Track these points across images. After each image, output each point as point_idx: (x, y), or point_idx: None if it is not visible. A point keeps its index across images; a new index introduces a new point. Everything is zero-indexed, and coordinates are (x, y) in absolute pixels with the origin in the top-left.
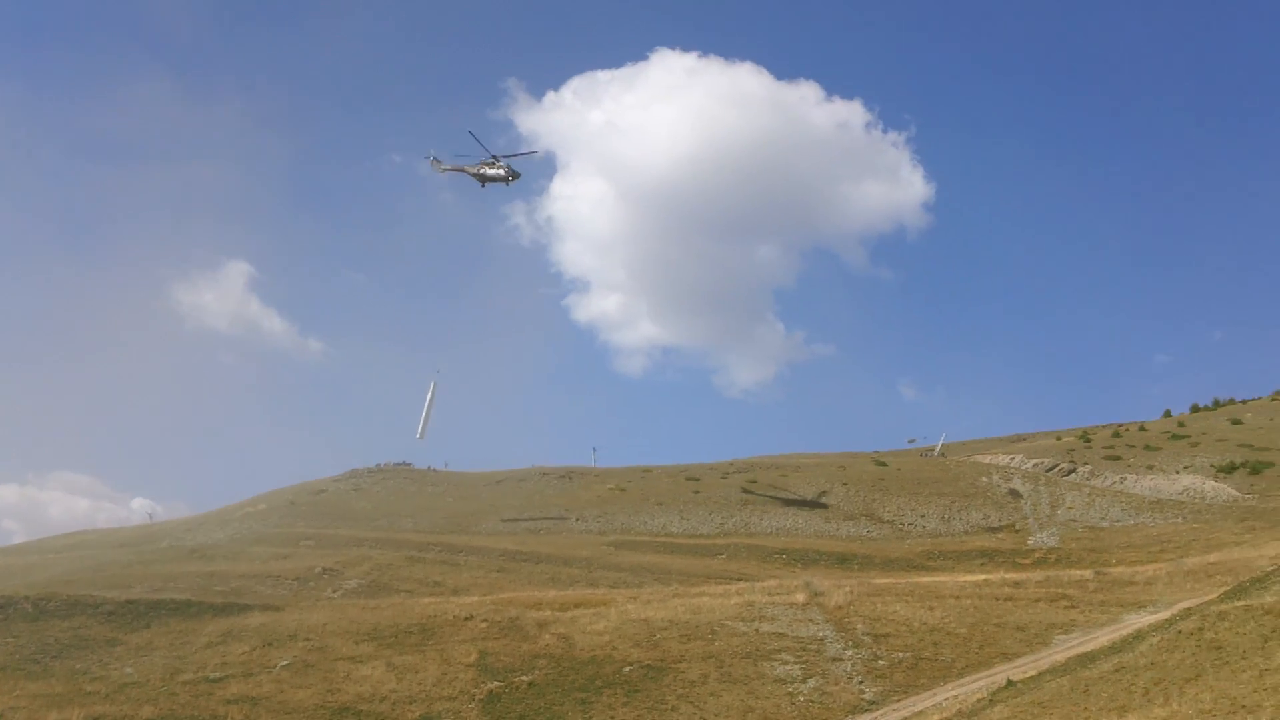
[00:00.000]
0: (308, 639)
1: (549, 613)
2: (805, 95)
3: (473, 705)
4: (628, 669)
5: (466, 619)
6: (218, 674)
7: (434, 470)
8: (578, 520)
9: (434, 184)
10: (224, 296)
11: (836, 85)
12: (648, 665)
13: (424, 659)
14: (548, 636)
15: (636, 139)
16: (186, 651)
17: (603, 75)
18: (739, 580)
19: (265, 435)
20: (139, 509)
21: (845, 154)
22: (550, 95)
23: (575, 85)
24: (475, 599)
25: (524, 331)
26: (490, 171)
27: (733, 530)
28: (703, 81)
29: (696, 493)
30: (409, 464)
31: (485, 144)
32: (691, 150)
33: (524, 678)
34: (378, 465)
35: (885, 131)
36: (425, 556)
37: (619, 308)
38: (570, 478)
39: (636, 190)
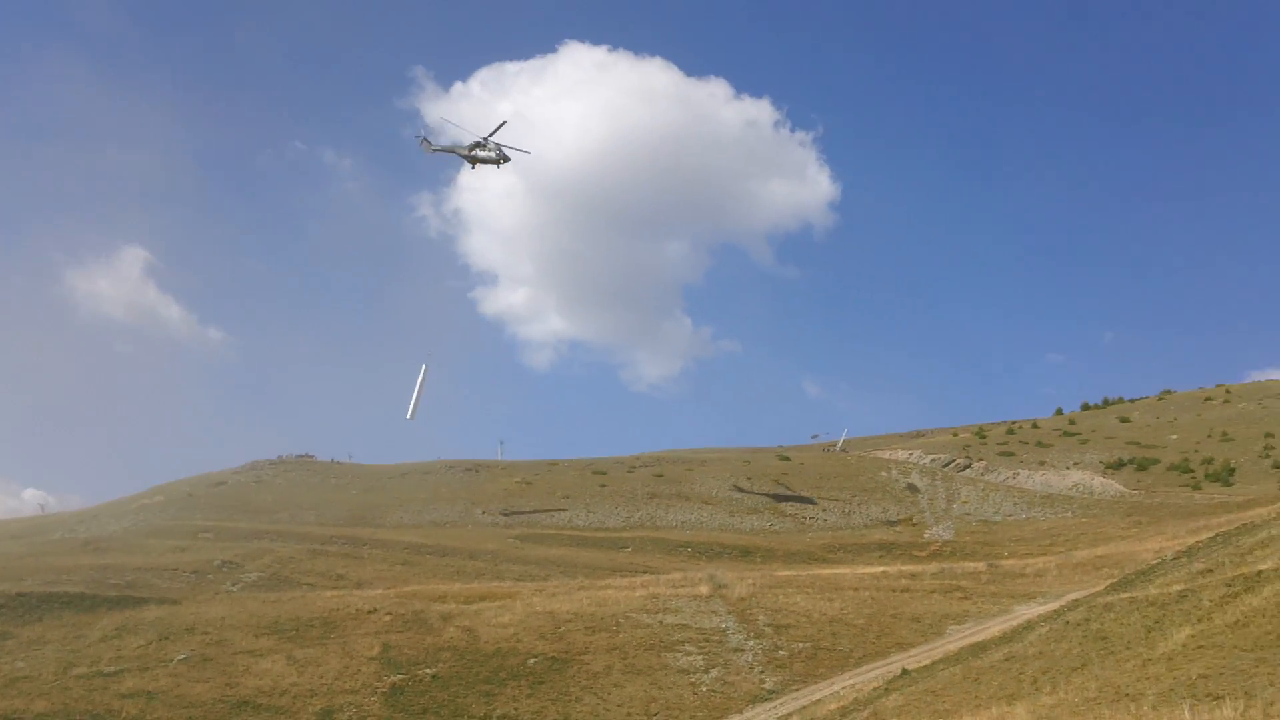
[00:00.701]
0: (206, 632)
1: (454, 606)
2: (714, 92)
3: (375, 698)
4: (532, 661)
5: (370, 612)
6: (112, 668)
7: (337, 463)
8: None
9: (338, 173)
10: (120, 283)
11: (745, 83)
12: (552, 657)
13: (325, 652)
14: (452, 629)
15: (546, 132)
16: (80, 645)
17: (511, 67)
18: (644, 573)
19: (162, 426)
20: (30, 500)
21: (753, 152)
22: (458, 85)
23: (483, 76)
24: (379, 592)
25: (430, 324)
26: (482, 154)
27: (639, 524)
28: (612, 76)
29: (603, 486)
30: (311, 456)
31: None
32: (601, 145)
33: (428, 671)
34: (279, 457)
35: (793, 131)
36: (328, 550)
37: (527, 301)
38: (476, 471)
39: (546, 184)
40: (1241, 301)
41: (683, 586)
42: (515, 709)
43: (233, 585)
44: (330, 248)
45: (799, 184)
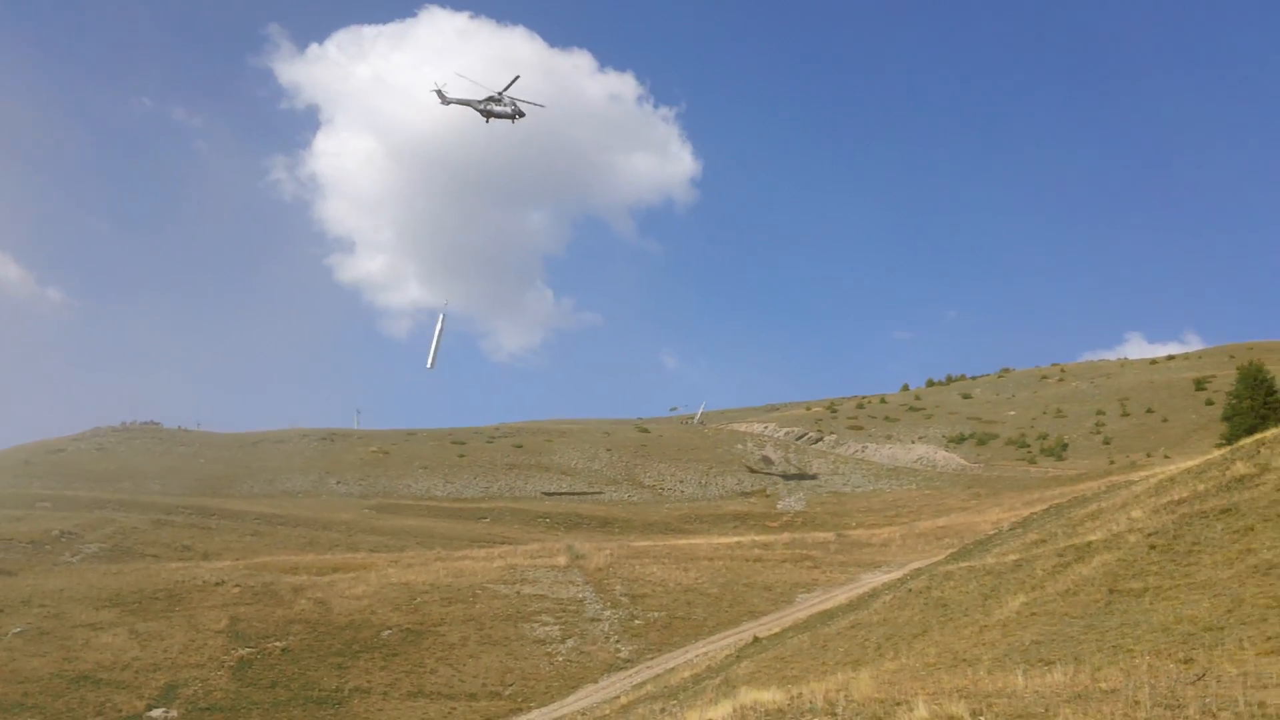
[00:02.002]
0: (43, 605)
1: (305, 577)
2: (578, 64)
3: (222, 672)
4: (386, 633)
5: (217, 584)
6: None
7: (185, 430)
8: (338, 483)
9: (188, 131)
10: None
11: (610, 57)
12: (407, 629)
13: (170, 626)
14: (303, 601)
15: (407, 97)
16: None
17: (369, 30)
18: (503, 544)
19: None
20: None
21: (617, 126)
22: (314, 47)
23: (340, 39)
24: (227, 564)
25: (284, 290)
26: (498, 108)
27: (498, 494)
28: (474, 43)
29: (462, 456)
30: (157, 423)
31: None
32: (463, 112)
33: (277, 644)
34: (123, 424)
35: (657, 106)
36: (173, 520)
37: (386, 269)
38: (332, 439)
39: (407, 149)
40: (1077, 285)
41: (540, 557)
42: (368, 681)
43: (72, 556)
44: (179, 209)
45: (662, 159)
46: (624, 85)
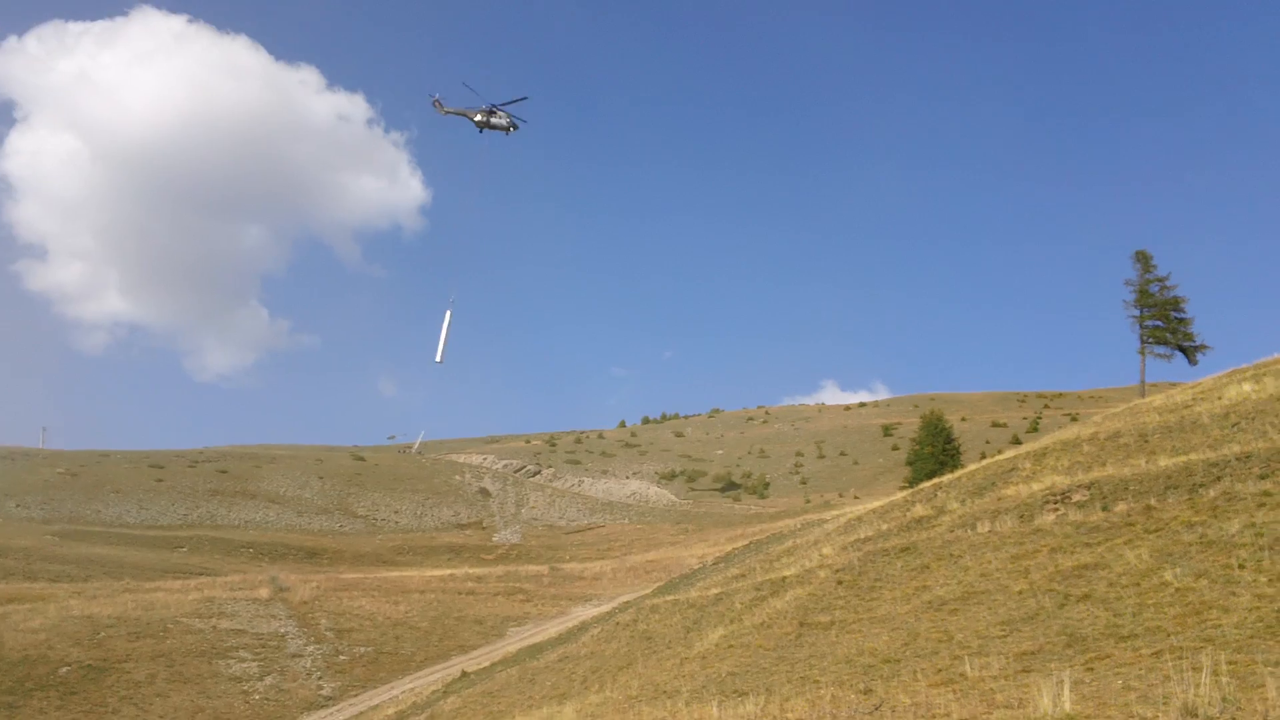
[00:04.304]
0: None
1: None
2: (305, 80)
3: None
4: (65, 670)
5: None
6: None
7: None
8: (17, 506)
9: None
10: None
11: (339, 76)
12: (89, 665)
13: None
14: None
15: (117, 98)
16: None
17: (75, 26)
18: (200, 575)
19: None
20: None
21: (344, 146)
22: (12, 40)
23: (41, 33)
24: None
25: None
26: (495, 120)
27: (198, 522)
28: (192, 49)
29: (160, 481)
30: None
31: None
32: (178, 118)
33: None
34: None
35: (387, 131)
36: None
37: (82, 278)
38: (12, 459)
39: (114, 152)
40: (780, 332)
41: (241, 589)
42: None
43: None
44: None
45: (390, 184)
46: (354, 106)
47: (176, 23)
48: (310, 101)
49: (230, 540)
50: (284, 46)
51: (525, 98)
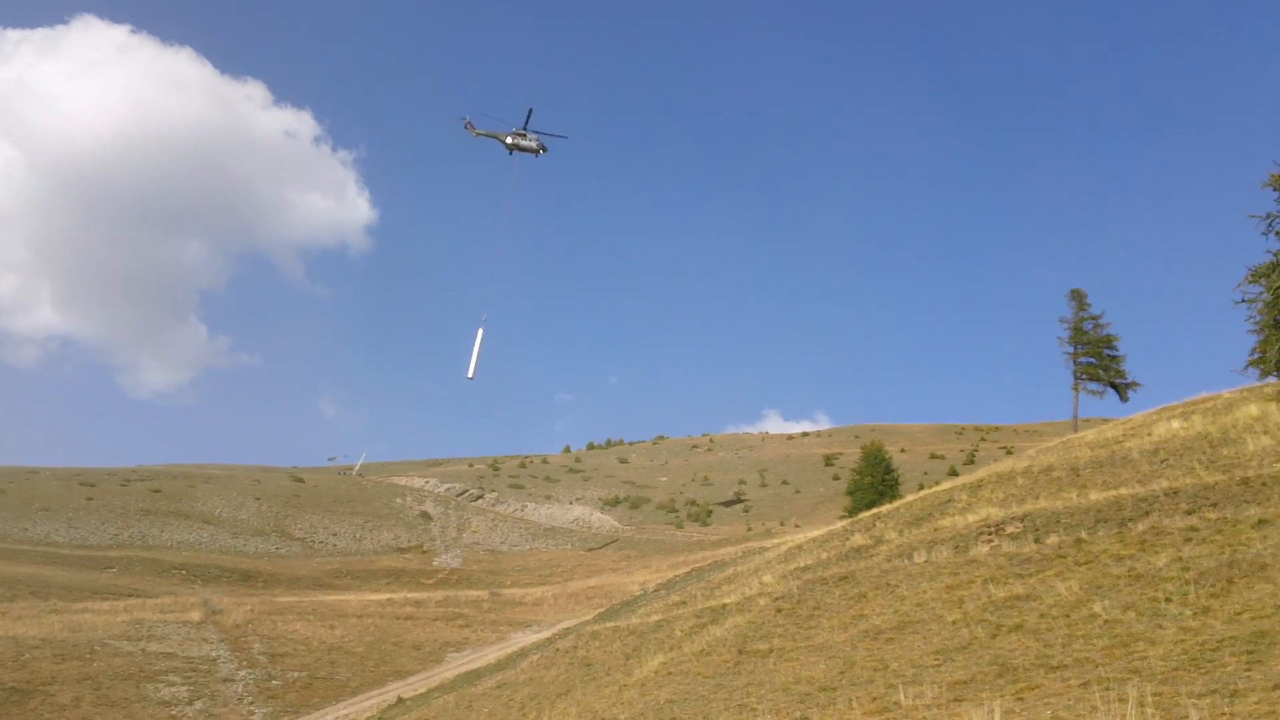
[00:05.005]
0: None
1: None
2: (251, 94)
3: None
4: None
5: None
6: None
7: None
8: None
9: None
10: None
11: (286, 91)
12: (11, 688)
13: None
14: None
15: (55, 107)
16: None
17: (13, 34)
18: (130, 596)
19: None
20: None
21: (290, 163)
22: None
23: None
24: None
25: None
26: (524, 143)
27: (129, 542)
28: (135, 60)
29: (90, 499)
30: None
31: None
32: (119, 129)
33: None
34: None
35: (335, 149)
36: None
37: (13, 290)
38: None
39: (51, 162)
40: (725, 361)
41: (172, 611)
42: None
43: None
44: None
45: (338, 202)
46: (301, 123)
47: (119, 33)
48: (256, 116)
49: (162, 561)
50: (230, 60)
51: (565, 136)
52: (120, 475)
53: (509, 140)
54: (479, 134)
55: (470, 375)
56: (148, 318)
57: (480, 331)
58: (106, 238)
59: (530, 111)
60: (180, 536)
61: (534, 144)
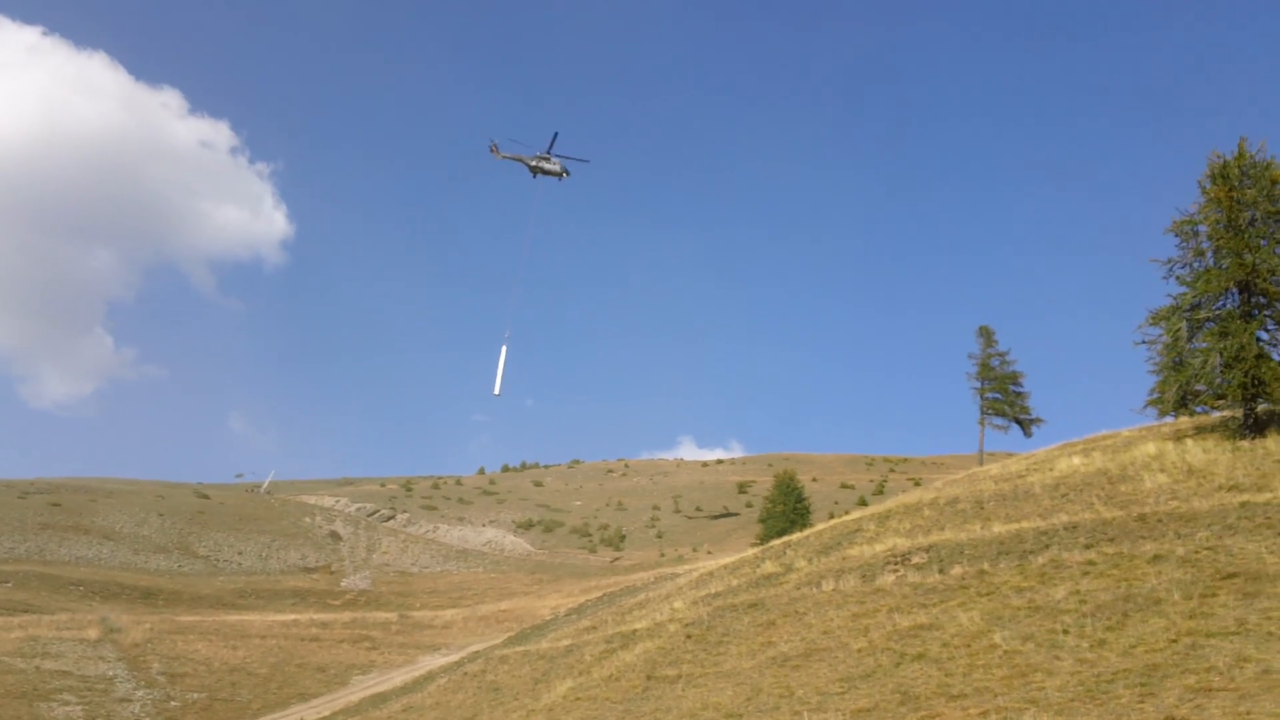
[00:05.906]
0: None
1: None
2: (167, 103)
3: None
4: None
5: None
6: None
7: None
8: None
9: None
10: None
11: (204, 101)
12: None
13: None
14: None
15: None
16: None
17: None
18: (25, 612)
19: None
20: None
21: (205, 174)
22: None
23: None
24: None
25: None
26: (547, 166)
27: (25, 556)
28: (46, 62)
29: None
30: None
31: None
32: (26, 133)
33: None
34: None
35: (252, 161)
36: None
37: None
38: None
39: None
40: (640, 386)
41: (68, 629)
42: None
43: None
44: None
45: (253, 215)
46: (217, 133)
47: (30, 34)
48: (171, 125)
49: (60, 577)
50: (146, 66)
51: (587, 160)
52: (18, 487)
53: (533, 163)
54: (504, 157)
55: (496, 392)
56: (50, 326)
57: (504, 349)
58: (8, 244)
59: (555, 136)
60: (79, 552)
61: (557, 167)
